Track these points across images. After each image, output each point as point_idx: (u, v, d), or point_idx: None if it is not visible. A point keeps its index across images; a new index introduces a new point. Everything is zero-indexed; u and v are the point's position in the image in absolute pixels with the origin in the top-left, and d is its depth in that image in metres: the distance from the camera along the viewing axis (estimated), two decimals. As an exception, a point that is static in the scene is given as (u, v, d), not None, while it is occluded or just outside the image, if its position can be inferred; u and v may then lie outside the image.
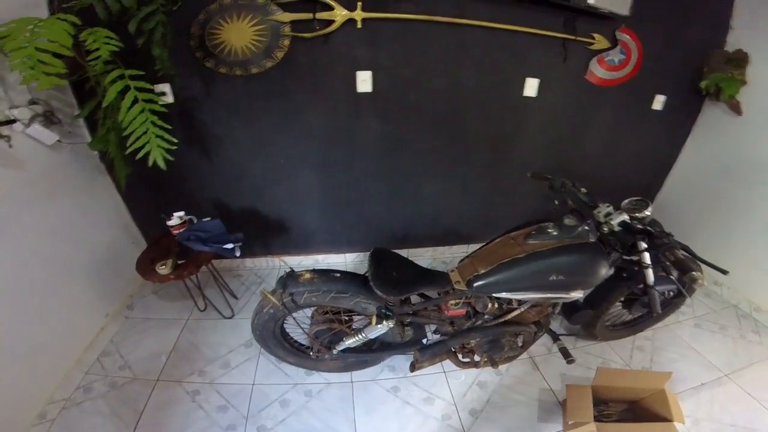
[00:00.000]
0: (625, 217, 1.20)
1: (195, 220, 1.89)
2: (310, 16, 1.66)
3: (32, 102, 1.53)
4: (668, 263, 1.10)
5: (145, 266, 1.75)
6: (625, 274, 1.51)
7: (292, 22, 1.69)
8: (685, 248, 1.15)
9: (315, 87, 1.88)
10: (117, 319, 2.02)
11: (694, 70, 2.17)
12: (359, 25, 1.71)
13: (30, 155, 1.53)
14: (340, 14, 1.68)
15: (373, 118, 2.01)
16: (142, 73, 1.39)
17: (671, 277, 1.29)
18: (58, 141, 1.61)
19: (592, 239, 1.24)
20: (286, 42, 1.73)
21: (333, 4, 1.65)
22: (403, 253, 1.45)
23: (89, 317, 1.88)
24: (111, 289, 2.04)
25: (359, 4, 1.67)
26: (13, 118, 1.44)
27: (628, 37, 1.96)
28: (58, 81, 1.16)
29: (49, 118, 1.59)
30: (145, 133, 1.40)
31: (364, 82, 1.88)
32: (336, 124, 2.01)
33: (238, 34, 1.68)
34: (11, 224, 1.46)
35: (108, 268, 1.99)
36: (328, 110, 1.96)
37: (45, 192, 1.62)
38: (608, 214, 1.23)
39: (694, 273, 1.00)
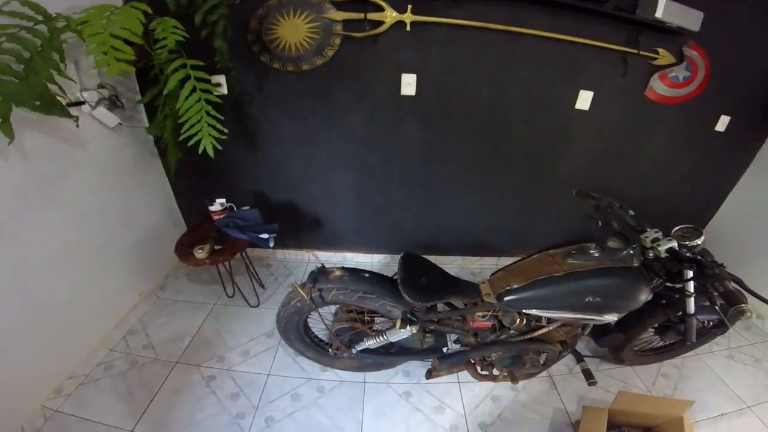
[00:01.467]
0: (674, 244, 1.13)
1: (235, 208, 1.96)
2: (361, 16, 1.70)
3: (100, 86, 1.64)
4: (716, 294, 1.05)
5: (184, 249, 1.81)
6: (664, 301, 1.43)
7: (344, 21, 1.72)
8: (737, 280, 1.08)
9: (361, 87, 1.91)
10: (149, 298, 2.10)
11: (763, 94, 2.03)
12: (408, 28, 1.72)
13: (93, 136, 1.64)
14: (390, 16, 1.70)
15: (413, 123, 2.02)
16: (203, 63, 1.46)
17: (716, 307, 1.22)
18: (119, 124, 1.72)
19: (636, 264, 1.18)
20: (337, 41, 1.77)
21: (384, 5, 1.68)
22: (431, 259, 1.44)
23: (124, 294, 1.95)
24: (148, 268, 2.13)
25: (409, 6, 1.68)
26: (82, 100, 1.55)
27: (696, 53, 1.85)
28: (127, 67, 1.23)
29: (113, 102, 1.70)
30: (198, 121, 1.47)
31: (408, 84, 1.89)
32: (377, 127, 2.03)
33: (293, 31, 1.74)
34: (69, 198, 1.55)
35: (148, 248, 2.08)
36: (370, 112, 1.98)
37: (102, 171, 1.72)
38: (656, 240, 1.17)
39: (743, 306, 0.97)
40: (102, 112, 1.63)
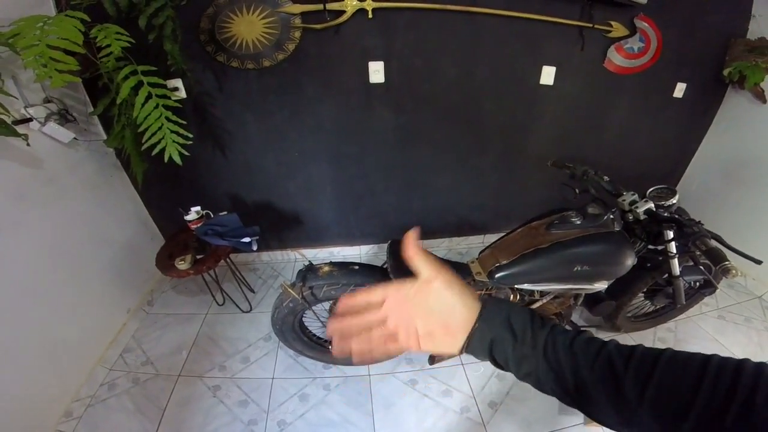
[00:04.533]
0: (651, 205, 1.16)
1: (212, 215, 1.89)
2: (320, 6, 1.63)
3: (47, 100, 1.54)
4: (698, 253, 1.07)
5: (164, 262, 1.76)
6: (648, 264, 1.48)
7: (303, 14, 1.66)
8: (716, 237, 1.10)
9: (327, 79, 1.86)
10: (138, 314, 2.05)
11: (715, 59, 2.11)
12: (370, 15, 1.67)
13: (48, 154, 1.54)
14: (350, 4, 1.64)
15: (385, 110, 1.99)
16: (155, 68, 1.38)
17: (700, 267, 1.26)
18: (75, 139, 1.62)
19: (617, 228, 1.21)
20: (297, 34, 1.70)
21: (343, -7, 1.62)
22: (419, 244, 1.43)
23: (111, 313, 1.90)
24: (131, 285, 2.06)
25: (370, -7, 1.63)
26: (29, 116, 1.44)
27: (646, 24, 1.90)
28: (71, 78, 1.15)
29: (64, 116, 1.59)
30: (159, 128, 1.39)
31: (376, 72, 1.85)
32: (348, 117, 1.99)
33: (249, 27, 1.66)
34: (32, 223, 1.47)
35: (128, 264, 2.01)
36: (340, 102, 1.93)
37: (64, 190, 1.63)
38: (633, 203, 1.20)
39: (727, 263, 0.96)
40: (53, 127, 1.52)
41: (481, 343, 0.44)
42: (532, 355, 0.42)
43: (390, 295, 0.45)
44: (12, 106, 1.32)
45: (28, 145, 1.29)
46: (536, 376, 0.43)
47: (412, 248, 0.46)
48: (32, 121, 1.46)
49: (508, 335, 0.43)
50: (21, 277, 1.41)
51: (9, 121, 1.21)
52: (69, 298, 1.63)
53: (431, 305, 0.44)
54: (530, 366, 0.43)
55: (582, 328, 1.59)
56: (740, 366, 0.34)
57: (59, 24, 1.15)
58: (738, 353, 1.81)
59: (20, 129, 1.25)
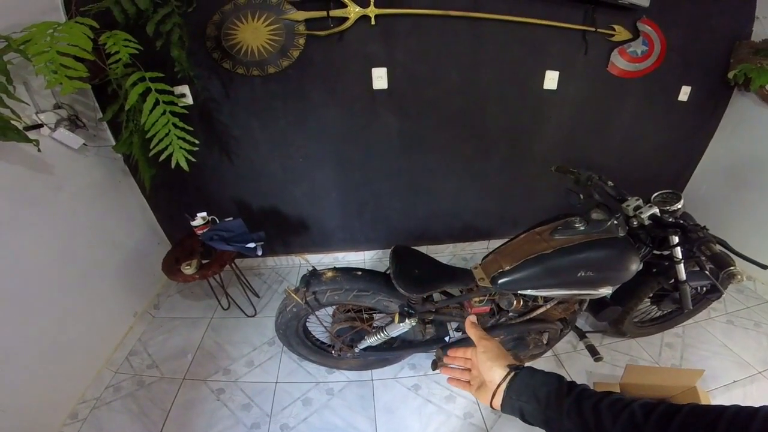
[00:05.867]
0: (656, 210, 1.15)
1: (217, 221, 1.91)
2: (323, 13, 1.66)
3: (57, 106, 1.57)
4: (703, 258, 1.05)
5: (171, 266, 1.78)
6: (654, 269, 1.47)
7: (307, 21, 1.68)
8: (722, 242, 1.09)
9: (331, 85, 1.88)
10: (144, 318, 2.07)
11: (720, 61, 2.10)
12: (373, 22, 1.69)
13: (58, 159, 1.57)
14: (353, 11, 1.66)
15: (389, 116, 2.00)
16: (162, 75, 1.41)
17: (706, 272, 1.25)
18: (84, 144, 1.65)
19: (622, 234, 1.20)
20: (302, 41, 1.72)
21: (346, 1, 1.64)
22: (423, 250, 1.45)
23: (118, 317, 1.93)
24: (138, 288, 2.09)
25: (372, 0, 1.65)
26: (39, 122, 1.47)
27: (649, 28, 1.90)
28: (81, 84, 1.17)
29: (74, 122, 1.62)
30: (167, 134, 1.42)
31: (379, 78, 1.87)
32: (353, 122, 2.00)
33: (254, 34, 1.69)
34: (42, 226, 1.50)
35: (135, 268, 2.04)
36: (344, 108, 1.95)
37: (73, 195, 1.66)
38: (638, 208, 1.18)
39: (732, 268, 0.93)
40: (63, 133, 1.55)
41: (513, 411, 0.55)
42: (557, 418, 0.50)
43: (472, 353, 0.65)
44: (23, 112, 1.34)
45: (39, 150, 1.32)
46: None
47: (469, 321, 0.67)
48: (43, 126, 1.49)
49: (534, 404, 0.52)
50: (30, 279, 1.44)
51: (20, 126, 1.23)
52: (77, 301, 1.65)
53: (479, 365, 0.61)
54: (555, 426, 0.51)
55: (587, 333, 1.59)
56: (756, 411, 0.36)
57: (69, 30, 1.18)
58: (747, 358, 1.79)
59: (31, 135, 1.28)
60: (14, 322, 1.36)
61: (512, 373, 0.56)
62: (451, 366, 0.68)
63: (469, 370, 0.65)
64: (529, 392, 0.53)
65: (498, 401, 0.56)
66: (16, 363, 1.35)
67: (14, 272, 1.37)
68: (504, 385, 0.55)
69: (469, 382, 0.64)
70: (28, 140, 1.23)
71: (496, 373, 0.57)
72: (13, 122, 1.16)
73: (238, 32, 1.68)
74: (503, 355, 0.60)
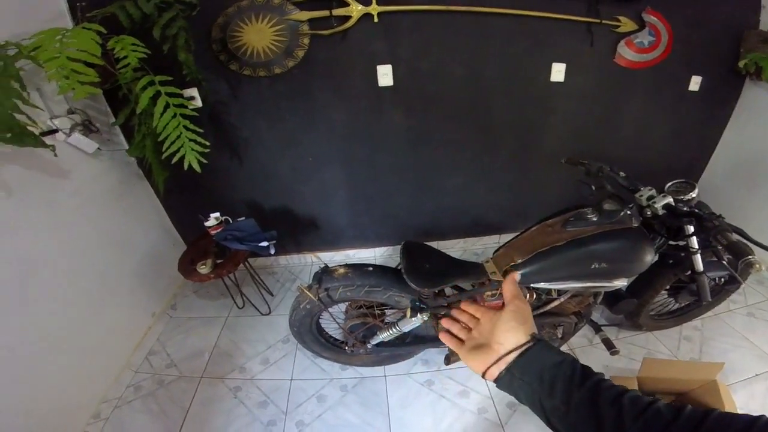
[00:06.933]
0: (670, 200, 1.13)
1: (230, 221, 1.94)
2: (326, 13, 1.66)
3: (70, 111, 1.60)
4: (720, 248, 1.02)
5: (186, 267, 1.81)
6: (671, 261, 1.44)
7: (310, 21, 1.69)
8: (738, 231, 1.05)
9: (337, 84, 1.88)
10: (162, 318, 2.11)
11: (729, 51, 2.05)
12: (376, 19, 1.69)
13: (74, 164, 1.61)
14: (356, 9, 1.66)
15: (395, 112, 2.00)
16: (171, 78, 1.43)
17: (723, 262, 1.22)
18: (98, 149, 1.69)
19: (635, 224, 1.18)
20: (306, 40, 1.73)
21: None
22: (433, 245, 1.43)
23: (137, 317, 1.97)
24: (156, 289, 2.13)
25: (374, -2, 1.65)
26: (54, 127, 1.51)
27: (655, 18, 1.87)
28: (93, 89, 1.20)
29: (87, 127, 1.66)
30: (178, 137, 1.44)
31: (385, 76, 1.86)
32: (359, 120, 2.01)
33: (258, 36, 1.70)
34: (61, 230, 1.54)
35: (152, 270, 2.08)
36: (351, 106, 1.96)
37: (90, 199, 1.70)
38: (651, 198, 1.17)
39: (750, 257, 0.91)
40: (78, 138, 1.59)
41: (509, 388, 0.49)
42: (561, 409, 0.44)
43: (484, 312, 0.57)
44: (38, 118, 1.37)
45: (55, 155, 1.34)
46: (567, 424, 0.45)
47: (512, 277, 0.57)
48: (58, 132, 1.52)
49: (536, 386, 0.46)
50: (51, 283, 1.47)
51: (37, 132, 1.26)
52: (97, 302, 1.69)
53: (497, 323, 0.52)
54: (556, 416, 0.45)
55: (602, 327, 1.56)
56: None
57: (77, 36, 1.20)
58: (769, 351, 1.74)
59: (47, 140, 1.30)
60: (37, 327, 1.40)
61: (531, 344, 0.49)
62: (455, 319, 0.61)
63: (469, 329, 0.57)
64: (534, 372, 0.47)
65: (495, 372, 0.50)
66: (41, 367, 1.39)
67: (35, 277, 1.40)
68: (515, 354, 0.49)
69: (463, 342, 0.57)
70: (45, 145, 1.26)
71: (514, 336, 0.50)
72: (29, 128, 1.19)
73: (243, 34, 1.69)
74: (531, 323, 0.53)
